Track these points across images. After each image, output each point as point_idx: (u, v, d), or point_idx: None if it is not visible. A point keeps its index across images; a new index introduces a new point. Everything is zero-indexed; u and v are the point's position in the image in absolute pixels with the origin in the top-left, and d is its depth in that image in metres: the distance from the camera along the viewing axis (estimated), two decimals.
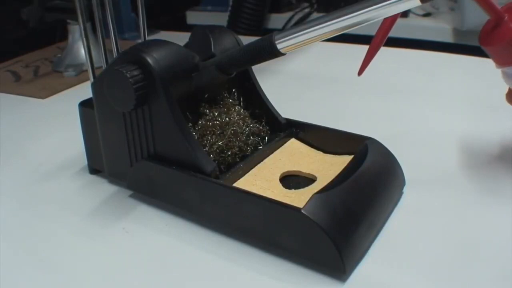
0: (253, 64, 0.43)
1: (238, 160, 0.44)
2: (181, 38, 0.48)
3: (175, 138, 0.40)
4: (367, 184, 0.39)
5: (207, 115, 0.44)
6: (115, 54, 0.50)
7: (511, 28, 0.39)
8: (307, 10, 1.44)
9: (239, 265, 0.37)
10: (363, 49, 0.46)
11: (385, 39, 0.45)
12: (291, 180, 0.43)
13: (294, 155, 0.46)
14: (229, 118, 0.45)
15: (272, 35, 0.39)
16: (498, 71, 0.44)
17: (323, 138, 0.46)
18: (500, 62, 0.42)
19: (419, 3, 0.34)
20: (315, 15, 1.42)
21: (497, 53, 0.42)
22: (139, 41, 0.50)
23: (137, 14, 0.53)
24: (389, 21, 0.44)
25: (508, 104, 0.47)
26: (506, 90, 0.47)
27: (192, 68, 0.42)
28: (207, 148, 0.43)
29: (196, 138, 0.42)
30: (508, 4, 0.40)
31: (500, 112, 0.58)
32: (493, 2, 0.39)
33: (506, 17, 0.39)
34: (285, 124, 0.48)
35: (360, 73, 0.46)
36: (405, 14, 1.25)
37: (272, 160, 0.45)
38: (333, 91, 0.70)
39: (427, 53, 0.84)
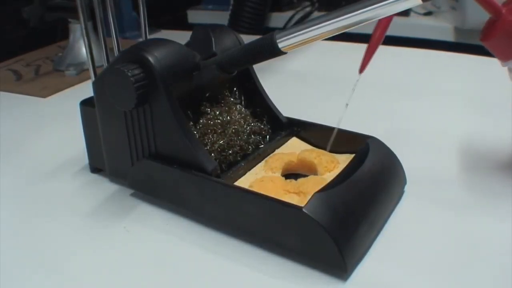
0: (254, 63, 0.43)
1: (239, 159, 0.44)
2: (182, 37, 0.48)
3: (176, 137, 0.40)
4: (368, 183, 0.39)
5: (208, 114, 0.44)
6: (116, 53, 0.50)
7: (508, 20, 0.39)
8: (308, 9, 1.44)
9: (240, 264, 0.37)
10: (365, 48, 0.46)
11: (384, 34, 0.45)
12: (293, 179, 0.43)
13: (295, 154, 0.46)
14: (230, 117, 0.45)
15: (273, 34, 0.39)
16: (500, 70, 0.43)
17: (324, 137, 0.46)
18: (503, 57, 0.42)
19: (420, 2, 0.34)
20: (316, 14, 1.42)
21: (498, 47, 0.41)
22: (140, 40, 0.50)
23: (138, 13, 0.53)
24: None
25: (508, 103, 0.47)
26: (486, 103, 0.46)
27: (193, 67, 0.42)
28: (208, 147, 0.43)
29: (197, 137, 0.42)
30: (508, 1, 0.40)
31: (501, 111, 0.58)
32: None
33: (504, 11, 0.39)
34: (286, 123, 0.48)
35: (361, 70, 0.46)
36: (406, 13, 1.25)
37: (274, 159, 0.44)
38: (334, 90, 0.70)
39: (428, 52, 0.84)
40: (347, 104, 0.45)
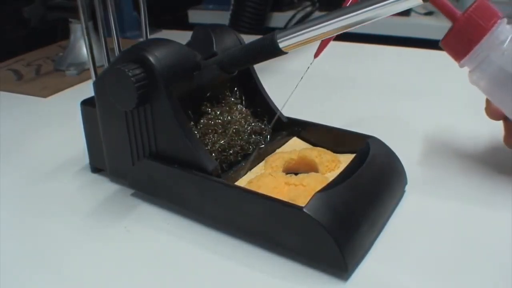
0: (255, 63, 0.43)
1: (240, 158, 0.44)
2: (182, 37, 0.48)
3: (176, 137, 0.40)
4: (369, 182, 0.39)
5: (209, 113, 0.44)
6: (117, 53, 0.50)
7: (459, 21, 0.41)
8: (308, 9, 1.43)
9: (240, 264, 0.37)
10: (366, 48, 0.46)
11: None
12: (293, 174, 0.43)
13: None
14: (231, 117, 0.45)
15: (274, 33, 0.39)
16: None
17: (325, 137, 0.46)
18: (455, 57, 0.43)
19: (421, 2, 0.34)
20: (317, 13, 1.42)
21: (450, 47, 0.43)
22: (141, 40, 0.50)
23: (139, 13, 0.53)
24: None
25: None
26: (484, 103, 0.47)
27: (193, 67, 0.42)
28: (209, 147, 0.42)
29: (198, 137, 0.42)
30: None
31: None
32: (448, 3, 0.42)
33: (458, 15, 0.41)
34: (287, 123, 0.48)
35: (316, 55, 0.46)
36: (407, 13, 1.25)
37: (274, 158, 0.44)
38: (335, 90, 0.70)
39: (429, 52, 0.84)
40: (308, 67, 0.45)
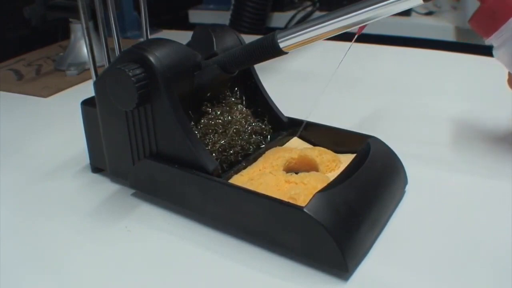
0: (256, 63, 0.43)
1: (240, 158, 0.44)
2: (183, 37, 0.48)
3: (177, 137, 0.40)
4: (369, 182, 0.39)
5: (209, 113, 0.44)
6: (117, 52, 0.50)
7: (488, 2, 0.44)
8: (309, 9, 1.44)
9: (241, 264, 0.37)
10: (366, 48, 0.46)
11: None
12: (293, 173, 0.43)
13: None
14: (232, 117, 0.45)
15: (275, 33, 0.39)
16: (501, 70, 0.44)
17: (325, 137, 0.46)
18: (484, 34, 0.46)
19: (421, 2, 0.34)
20: (317, 13, 1.42)
21: (479, 25, 0.46)
22: (141, 39, 0.50)
23: (139, 13, 0.53)
24: None
25: (508, 103, 0.47)
26: (506, 75, 0.49)
27: (194, 66, 0.42)
28: (209, 147, 0.43)
29: (198, 136, 0.42)
30: None
31: (502, 111, 0.58)
32: None
33: None
34: (288, 123, 0.48)
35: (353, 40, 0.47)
36: (407, 13, 1.25)
37: (275, 157, 0.44)
38: (336, 90, 0.69)
39: (429, 51, 0.84)
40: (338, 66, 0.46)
